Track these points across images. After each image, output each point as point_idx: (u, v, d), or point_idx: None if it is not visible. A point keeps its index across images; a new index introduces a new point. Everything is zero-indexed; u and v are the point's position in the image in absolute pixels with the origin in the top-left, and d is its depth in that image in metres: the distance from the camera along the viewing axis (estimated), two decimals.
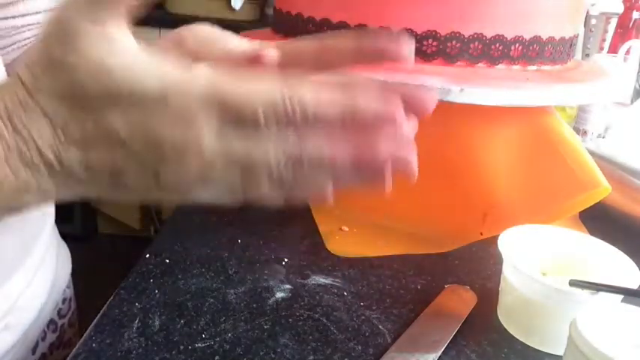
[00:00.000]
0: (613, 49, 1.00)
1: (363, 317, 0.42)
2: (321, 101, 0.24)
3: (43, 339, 0.49)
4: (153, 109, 0.23)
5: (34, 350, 0.48)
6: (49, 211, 0.51)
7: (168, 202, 0.28)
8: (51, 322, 0.51)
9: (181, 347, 0.38)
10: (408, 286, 0.47)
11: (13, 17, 0.43)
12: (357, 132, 0.25)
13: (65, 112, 0.24)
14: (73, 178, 0.25)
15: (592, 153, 0.55)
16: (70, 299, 0.56)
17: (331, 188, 0.27)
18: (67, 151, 0.24)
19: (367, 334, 0.40)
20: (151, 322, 0.40)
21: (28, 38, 0.47)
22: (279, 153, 0.24)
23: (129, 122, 0.24)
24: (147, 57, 0.24)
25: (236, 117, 0.24)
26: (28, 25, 0.45)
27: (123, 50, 0.23)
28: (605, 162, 0.59)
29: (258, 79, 0.24)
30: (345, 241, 0.54)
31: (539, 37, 0.49)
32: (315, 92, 0.24)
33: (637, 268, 0.40)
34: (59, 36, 0.24)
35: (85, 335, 0.39)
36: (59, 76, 0.23)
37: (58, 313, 0.52)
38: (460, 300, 0.45)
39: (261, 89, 0.24)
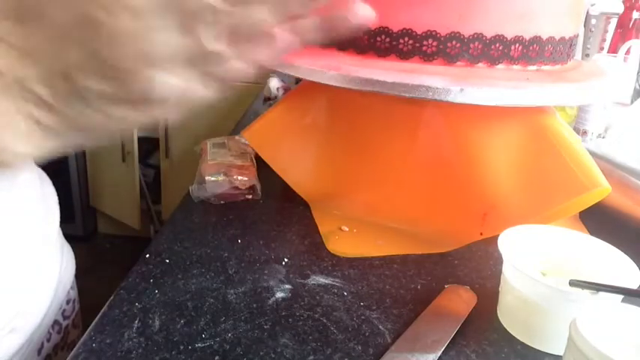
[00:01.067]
0: (613, 49, 1.00)
1: (363, 317, 0.42)
2: None
3: (48, 340, 0.50)
4: None
5: (39, 351, 0.48)
6: (54, 213, 0.51)
7: (137, 114, 0.26)
8: (55, 323, 0.51)
9: (181, 347, 0.38)
10: (408, 286, 0.47)
11: None
12: None
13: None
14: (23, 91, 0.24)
15: (592, 153, 0.55)
16: (74, 300, 0.56)
17: (281, 39, 0.27)
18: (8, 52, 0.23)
19: (367, 334, 0.40)
20: (151, 322, 0.40)
21: None
22: None
23: (60, 4, 0.23)
24: None
25: None
26: None
27: None
28: (605, 162, 0.59)
29: None
30: (345, 241, 0.54)
31: (539, 37, 0.49)
32: None
33: (637, 268, 0.40)
34: None
35: (85, 335, 0.39)
36: None
37: (63, 314, 0.53)
38: (460, 300, 0.45)
39: None
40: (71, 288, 0.55)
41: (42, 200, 0.48)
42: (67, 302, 0.54)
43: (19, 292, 0.43)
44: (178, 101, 0.26)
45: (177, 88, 0.25)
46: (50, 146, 0.25)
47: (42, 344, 0.48)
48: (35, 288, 0.45)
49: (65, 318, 0.53)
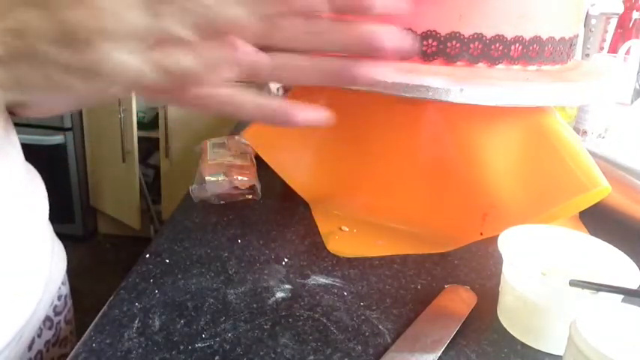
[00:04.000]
0: (613, 49, 1.00)
1: (363, 317, 0.42)
2: None
3: (39, 336, 0.50)
4: None
5: (30, 347, 0.48)
6: (43, 207, 0.51)
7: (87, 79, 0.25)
8: (47, 319, 0.51)
9: (181, 347, 0.38)
10: (408, 286, 0.47)
11: None
12: None
13: None
14: None
15: (592, 153, 0.55)
16: (66, 296, 0.56)
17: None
18: None
19: (367, 334, 0.40)
20: (151, 322, 0.40)
21: None
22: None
23: None
24: None
25: None
26: None
27: None
28: (605, 162, 0.59)
29: None
30: (345, 241, 0.54)
31: (539, 37, 0.49)
32: None
33: (637, 268, 0.40)
34: None
35: (85, 335, 0.39)
36: None
37: (54, 310, 0.53)
38: (460, 300, 0.45)
39: None
40: (62, 284, 0.55)
41: (29, 195, 0.48)
42: (59, 298, 0.54)
43: (7, 286, 0.43)
44: (126, 82, 0.26)
45: (129, 67, 0.25)
46: None
47: (33, 340, 0.48)
48: (25, 283, 0.45)
49: (57, 314, 0.53)
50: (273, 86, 1.01)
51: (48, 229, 0.53)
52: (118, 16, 0.24)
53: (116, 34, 0.24)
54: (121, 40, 0.24)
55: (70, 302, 0.57)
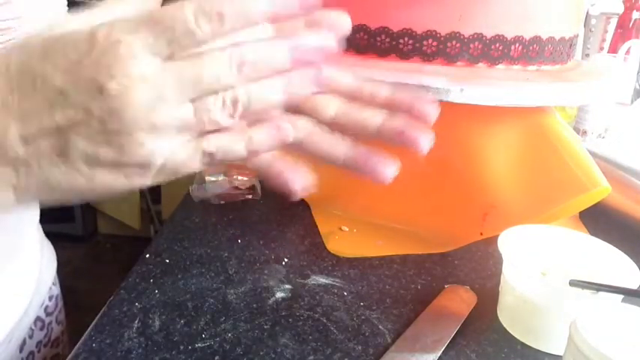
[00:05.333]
0: (613, 49, 1.00)
1: (363, 317, 0.42)
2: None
3: (31, 337, 0.50)
4: (84, 52, 0.23)
5: (21, 348, 0.48)
6: (33, 208, 0.51)
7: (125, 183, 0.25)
8: (38, 319, 0.51)
9: (181, 347, 0.38)
10: (408, 286, 0.47)
11: None
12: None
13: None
14: (12, 165, 0.24)
15: (592, 153, 0.55)
16: (57, 296, 0.56)
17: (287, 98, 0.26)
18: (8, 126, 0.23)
19: (367, 334, 0.40)
20: (151, 322, 0.40)
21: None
22: (227, 59, 0.24)
23: (63, 69, 0.23)
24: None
25: (167, 29, 0.23)
26: (2, 29, 0.45)
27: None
28: (605, 162, 0.59)
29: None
30: (345, 241, 0.54)
31: (539, 37, 0.49)
32: None
33: (637, 268, 0.40)
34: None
35: (85, 335, 0.39)
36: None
37: (45, 310, 0.53)
38: (460, 300, 0.45)
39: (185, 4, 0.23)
40: (53, 284, 0.55)
41: None
42: (50, 299, 0.54)
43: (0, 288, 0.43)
44: (174, 172, 0.26)
45: (180, 159, 0.25)
46: (11, 201, 0.25)
47: (24, 340, 0.48)
48: (16, 284, 0.45)
49: (48, 314, 0.53)
50: None
51: (38, 229, 0.53)
52: (161, 111, 0.24)
53: (158, 127, 0.24)
54: (161, 130, 0.24)
55: (61, 303, 0.57)
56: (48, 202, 0.26)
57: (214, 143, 0.25)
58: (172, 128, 0.24)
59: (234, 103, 0.24)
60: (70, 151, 0.24)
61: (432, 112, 0.29)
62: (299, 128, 0.27)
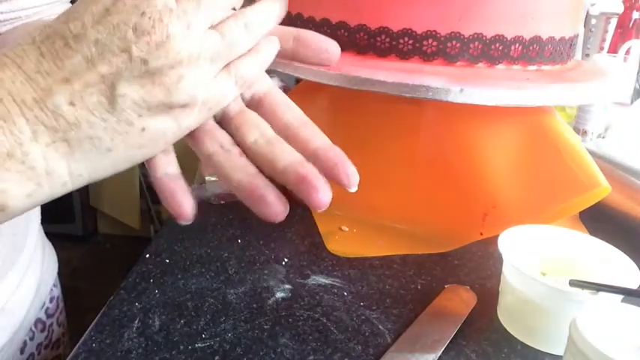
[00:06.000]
0: (613, 49, 1.00)
1: (363, 317, 0.42)
2: None
3: (32, 339, 0.50)
4: (109, 2, 0.24)
5: (22, 350, 0.48)
6: (35, 212, 0.51)
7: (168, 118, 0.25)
8: (38, 321, 0.51)
9: (181, 347, 0.38)
10: (408, 286, 0.47)
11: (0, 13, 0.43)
12: None
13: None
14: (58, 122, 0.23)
15: (592, 153, 0.55)
16: (58, 298, 0.56)
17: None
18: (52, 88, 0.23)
19: (367, 334, 0.40)
20: (151, 322, 0.40)
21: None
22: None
23: (92, 22, 0.24)
24: None
25: None
26: (10, 19, 0.45)
27: None
28: (605, 162, 0.59)
29: None
30: (345, 241, 0.54)
31: (539, 37, 0.49)
32: None
33: (637, 268, 0.40)
34: None
35: (85, 335, 0.39)
36: None
37: (46, 312, 0.53)
38: (460, 300, 0.45)
39: None
40: (54, 286, 0.55)
41: None
42: (51, 300, 0.54)
43: (2, 291, 0.43)
44: (207, 103, 0.26)
45: (209, 87, 0.26)
46: (63, 179, 0.25)
47: (24, 343, 0.48)
48: (18, 286, 0.45)
49: (49, 316, 0.53)
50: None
51: (40, 233, 0.53)
52: (198, 37, 0.25)
53: (196, 58, 0.25)
54: (204, 63, 0.25)
55: (62, 304, 0.57)
56: (99, 174, 0.26)
57: (242, 68, 0.27)
58: (206, 58, 0.25)
59: (248, 25, 0.27)
60: (117, 100, 0.24)
61: (353, 181, 0.28)
62: (216, 144, 0.28)
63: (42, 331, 0.51)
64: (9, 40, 0.42)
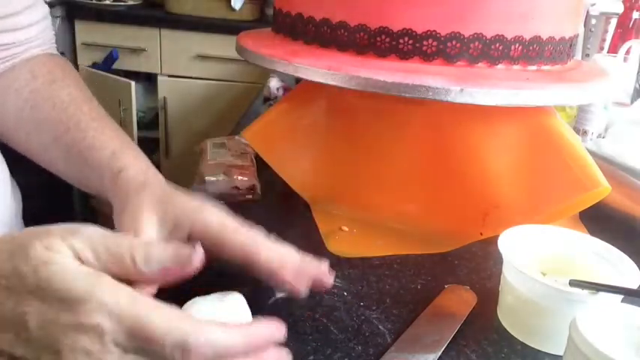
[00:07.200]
0: (613, 49, 1.00)
1: (363, 317, 0.42)
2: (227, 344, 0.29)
3: None
4: (67, 309, 0.26)
5: None
6: (17, 206, 0.52)
7: None
8: None
9: None
10: (408, 286, 0.47)
11: None
12: None
13: None
14: None
15: (592, 153, 0.55)
16: None
17: None
18: None
19: (367, 334, 0.40)
20: None
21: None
22: None
23: (42, 316, 0.26)
24: (83, 269, 0.28)
25: (144, 342, 0.27)
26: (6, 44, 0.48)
27: (63, 261, 0.28)
28: (605, 162, 0.59)
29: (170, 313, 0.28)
30: (345, 241, 0.54)
31: (539, 37, 0.49)
32: (222, 334, 0.29)
33: (637, 268, 0.40)
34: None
35: None
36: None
37: None
38: (460, 300, 0.45)
39: (173, 326, 0.27)
40: None
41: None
42: None
43: None
44: None
45: None
46: None
47: None
48: None
49: None
50: (273, 85, 1.01)
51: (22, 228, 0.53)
52: None
53: None
54: None
55: None
56: None
57: None
58: None
59: None
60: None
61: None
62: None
63: None
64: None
